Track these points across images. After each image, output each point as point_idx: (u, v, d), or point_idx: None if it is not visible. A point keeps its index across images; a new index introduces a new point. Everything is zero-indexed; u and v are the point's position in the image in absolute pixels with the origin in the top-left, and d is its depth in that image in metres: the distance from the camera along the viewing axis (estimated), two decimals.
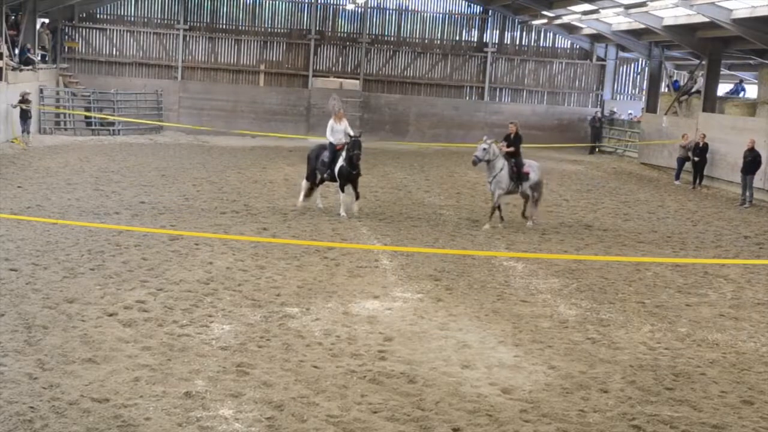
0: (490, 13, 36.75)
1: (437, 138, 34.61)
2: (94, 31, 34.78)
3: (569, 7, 30.03)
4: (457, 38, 36.82)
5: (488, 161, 16.40)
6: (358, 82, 35.67)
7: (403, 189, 21.44)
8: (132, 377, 7.69)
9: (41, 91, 29.56)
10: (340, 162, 16.59)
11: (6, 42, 26.07)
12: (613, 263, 13.80)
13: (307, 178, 17.35)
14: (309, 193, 17.44)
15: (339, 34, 36.33)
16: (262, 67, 35.60)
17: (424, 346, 9.16)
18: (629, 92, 38.53)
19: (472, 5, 36.72)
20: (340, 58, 36.26)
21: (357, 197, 16.93)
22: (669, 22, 27.36)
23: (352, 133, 16.77)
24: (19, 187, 18.02)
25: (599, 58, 37.24)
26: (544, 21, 33.83)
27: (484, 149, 16.31)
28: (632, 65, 37.96)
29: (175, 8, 35.11)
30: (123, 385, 7.51)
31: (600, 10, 27.94)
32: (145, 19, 35.00)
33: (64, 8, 32.81)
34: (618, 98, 37.85)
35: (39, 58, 29.77)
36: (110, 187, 18.69)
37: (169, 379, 7.70)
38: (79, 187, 18.44)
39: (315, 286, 11.35)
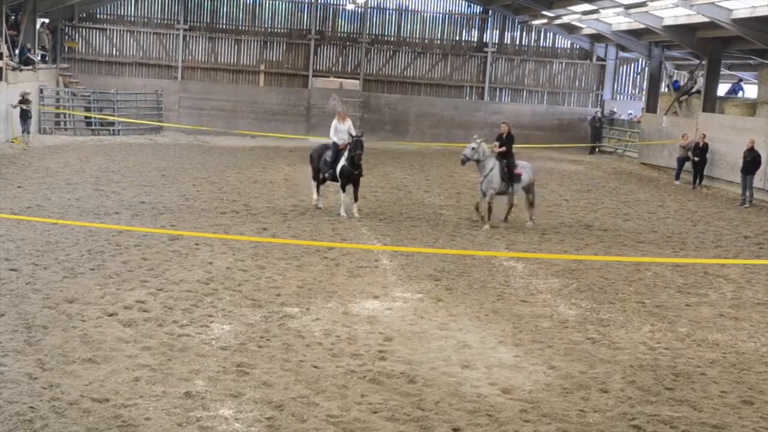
0: (490, 13, 36.74)
1: (437, 138, 34.61)
2: (94, 31, 34.77)
3: (569, 7, 30.02)
4: (457, 38, 36.82)
5: (478, 161, 16.36)
6: (358, 82, 35.67)
7: (403, 189, 21.44)
8: (132, 377, 7.69)
9: (41, 91, 29.56)
10: (342, 161, 16.60)
11: (6, 42, 26.07)
12: (613, 263, 13.80)
13: (314, 178, 17.38)
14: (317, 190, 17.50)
15: (339, 34, 36.33)
16: (262, 67, 35.60)
17: (424, 346, 9.16)
18: (629, 92, 38.52)
19: (472, 5, 36.71)
20: (340, 58, 36.25)
21: (356, 199, 16.93)
22: (669, 22, 27.35)
23: (354, 133, 16.77)
24: (19, 187, 18.02)
25: (599, 58, 37.23)
26: (544, 21, 33.83)
27: (473, 148, 16.28)
28: (632, 65, 37.96)
29: (175, 8, 35.10)
30: (123, 385, 7.51)
31: (600, 10, 27.93)
32: (145, 19, 35.00)
33: (64, 8, 32.81)
34: (618, 98, 37.84)
35: (39, 58, 29.76)
36: (110, 187, 18.69)
37: (169, 379, 7.71)
38: (79, 187, 18.44)
39: (315, 286, 11.35)
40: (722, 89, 29.84)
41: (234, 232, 14.63)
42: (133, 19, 34.97)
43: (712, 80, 27.70)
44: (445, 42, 36.69)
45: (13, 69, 26.85)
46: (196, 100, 34.53)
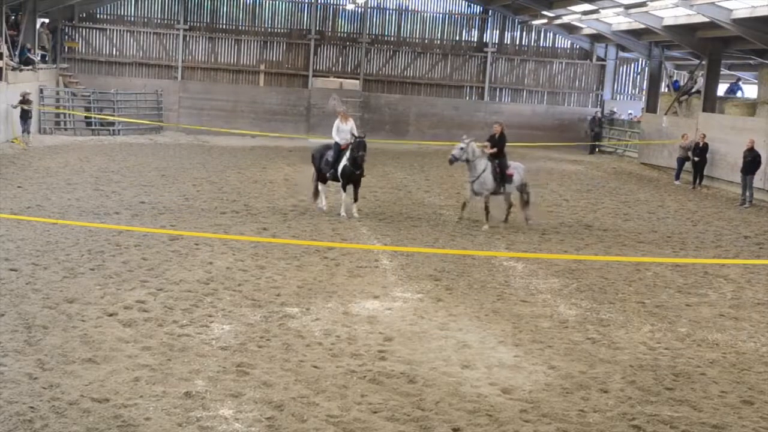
0: (490, 13, 36.75)
1: (437, 138, 34.58)
2: (94, 31, 34.78)
3: (569, 7, 30.03)
4: (457, 38, 36.83)
5: (468, 161, 16.27)
6: (358, 82, 35.67)
7: (403, 189, 21.45)
8: (132, 377, 7.69)
9: (41, 91, 29.56)
10: (344, 161, 16.59)
11: (6, 42, 26.07)
12: (613, 263, 13.80)
13: (317, 179, 17.35)
14: (316, 191, 17.45)
15: (339, 34, 36.34)
16: (262, 67, 35.60)
17: (424, 346, 9.16)
18: (629, 92, 38.54)
19: (472, 5, 36.72)
20: (340, 58, 36.26)
21: (356, 199, 16.93)
22: (669, 22, 27.36)
23: (356, 134, 16.75)
24: (19, 187, 18.02)
25: (599, 58, 37.24)
26: (544, 21, 33.83)
27: (461, 149, 16.20)
28: (632, 65, 37.97)
29: (175, 8, 35.11)
30: (123, 385, 7.51)
31: (600, 10, 27.94)
32: (145, 19, 35.00)
33: (64, 8, 32.81)
34: (618, 98, 37.85)
35: (39, 58, 29.76)
36: (110, 187, 18.69)
37: (169, 379, 7.71)
38: (79, 187, 18.44)
39: (315, 286, 11.35)
40: (721, 89, 29.83)
41: (234, 232, 14.63)
42: (133, 19, 34.97)
43: (712, 80, 27.70)
44: (445, 42, 36.70)
45: (13, 69, 26.86)
46: (196, 100, 34.54)
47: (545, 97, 37.19)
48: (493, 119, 35.77)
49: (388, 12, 36.47)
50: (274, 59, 35.84)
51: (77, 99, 31.62)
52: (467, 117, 35.78)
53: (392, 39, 36.37)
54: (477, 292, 11.61)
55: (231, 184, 20.47)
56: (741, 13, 22.82)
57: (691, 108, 30.23)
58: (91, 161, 23.24)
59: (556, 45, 37.35)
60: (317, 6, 35.84)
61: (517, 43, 37.08)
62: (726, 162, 24.88)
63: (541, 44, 37.17)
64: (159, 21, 35.13)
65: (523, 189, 16.92)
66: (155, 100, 33.53)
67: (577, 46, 37.43)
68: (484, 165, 16.30)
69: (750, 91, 31.27)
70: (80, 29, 34.62)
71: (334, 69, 36.12)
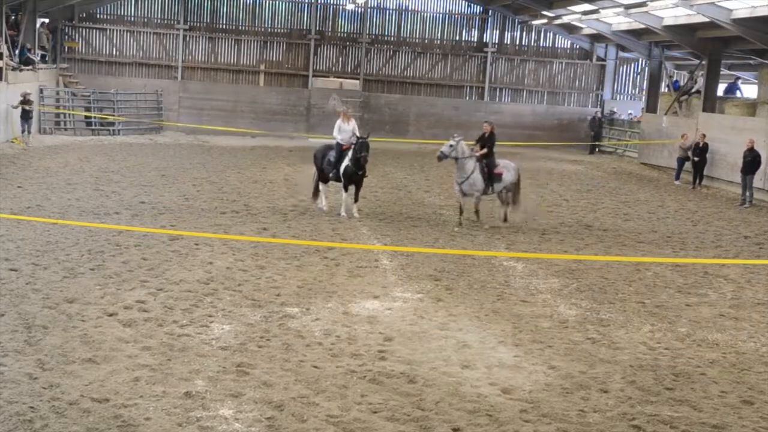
0: (490, 13, 36.75)
1: (437, 138, 34.51)
2: (94, 31, 34.78)
3: (569, 7, 30.03)
4: (457, 38, 36.83)
5: (456, 159, 16.16)
6: (358, 82, 35.67)
7: (403, 189, 21.45)
8: (132, 377, 7.69)
9: (41, 91, 29.55)
10: (346, 162, 16.59)
11: (6, 42, 26.07)
12: (613, 263, 13.80)
13: (319, 179, 17.33)
14: (316, 191, 17.44)
15: (339, 34, 36.34)
16: (262, 67, 35.61)
17: (424, 346, 9.16)
18: (629, 92, 38.54)
19: (472, 5, 36.72)
20: (340, 58, 36.26)
21: (356, 200, 16.93)
22: (669, 22, 27.36)
23: (358, 134, 16.73)
24: (19, 187, 18.02)
25: (599, 58, 37.24)
26: (544, 21, 33.83)
27: (451, 146, 16.09)
28: (632, 65, 37.97)
29: (175, 8, 35.11)
30: (123, 385, 7.51)
31: (600, 10, 27.94)
32: (145, 19, 35.01)
33: (64, 8, 32.82)
34: (618, 98, 37.85)
35: (39, 58, 29.77)
36: (110, 187, 18.69)
37: (169, 379, 7.71)
38: (79, 187, 18.44)
39: (315, 286, 11.35)
40: (720, 89, 29.84)
41: (234, 232, 14.63)
42: (133, 19, 34.98)
43: (712, 80, 27.70)
44: (445, 42, 36.70)
45: (13, 69, 26.86)
46: (196, 100, 34.54)
47: (545, 97, 37.19)
48: (492, 119, 35.95)
49: (388, 12, 36.47)
50: (274, 59, 35.84)
51: (77, 99, 31.62)
52: (467, 117, 35.73)
53: (392, 39, 36.38)
54: (477, 292, 11.61)
55: (231, 184, 20.47)
56: (741, 13, 22.82)
57: (691, 108, 30.23)
58: (91, 161, 23.24)
59: (556, 45, 37.35)
60: (317, 6, 35.85)
61: (517, 43, 37.08)
62: (726, 162, 24.88)
63: (541, 44, 37.18)
64: (159, 21, 35.13)
65: (510, 188, 16.65)
66: (155, 100, 33.53)
67: (577, 46, 37.43)
68: (472, 166, 16.14)
69: (750, 91, 31.26)
70: (80, 29, 34.63)
71: (334, 69, 36.13)
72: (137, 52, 34.91)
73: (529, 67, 37.01)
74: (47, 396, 7.15)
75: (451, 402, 7.61)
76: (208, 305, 10.15)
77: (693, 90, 30.71)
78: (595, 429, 7.26)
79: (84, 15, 34.64)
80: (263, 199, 18.43)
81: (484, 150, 16.33)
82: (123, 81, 34.07)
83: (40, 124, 29.62)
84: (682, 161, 26.51)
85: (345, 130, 16.87)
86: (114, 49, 34.77)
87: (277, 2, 35.97)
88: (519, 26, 36.82)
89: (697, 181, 25.42)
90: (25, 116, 26.02)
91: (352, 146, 16.51)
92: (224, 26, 35.80)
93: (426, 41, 36.46)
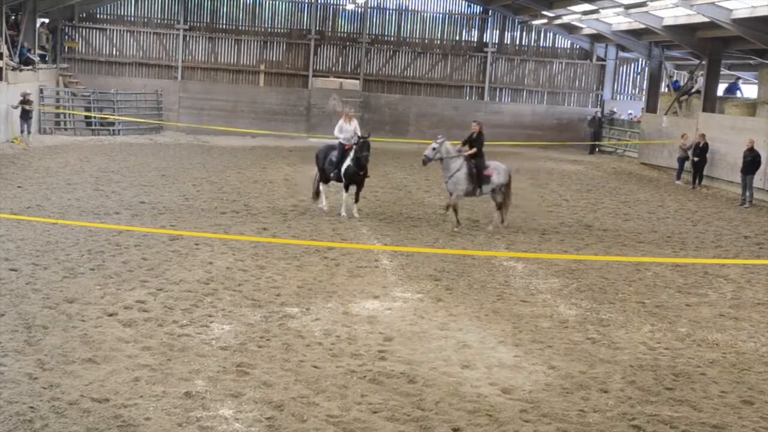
0: (490, 13, 36.75)
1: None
2: (94, 31, 34.78)
3: (569, 7, 30.02)
4: (457, 38, 36.83)
5: (441, 159, 15.91)
6: (358, 82, 35.67)
7: (403, 189, 21.45)
8: (132, 377, 7.69)
9: (41, 91, 29.55)
10: (348, 162, 16.59)
11: (6, 42, 26.08)
12: (613, 263, 13.80)
13: (320, 179, 17.33)
14: (317, 192, 17.43)
15: (339, 34, 36.34)
16: (262, 67, 35.61)
17: (424, 346, 9.16)
18: (629, 92, 38.53)
19: (472, 5, 36.72)
20: (340, 58, 36.26)
21: (357, 200, 16.93)
22: (669, 22, 27.35)
23: (362, 135, 16.73)
24: (19, 187, 18.02)
25: (599, 58, 37.24)
26: (544, 21, 33.83)
27: (434, 149, 15.82)
28: (632, 65, 37.97)
29: (175, 8, 35.11)
30: (123, 385, 7.51)
31: (600, 10, 27.93)
32: (145, 19, 35.01)
33: (64, 8, 32.82)
34: (618, 98, 37.85)
35: (39, 58, 29.77)
36: (110, 187, 18.69)
37: (169, 379, 7.71)
38: (79, 187, 18.44)
39: (315, 286, 11.35)
40: (721, 89, 29.84)
41: (234, 232, 14.63)
42: (133, 19, 34.97)
43: (712, 80, 27.70)
44: (445, 42, 36.70)
45: (13, 69, 26.86)
46: (196, 100, 34.54)
47: (545, 97, 37.19)
48: (493, 119, 36.03)
49: (388, 12, 36.47)
50: (274, 59, 35.84)
51: (77, 99, 31.62)
52: (467, 117, 35.45)
53: (392, 39, 36.37)
54: (477, 292, 11.61)
55: (231, 184, 20.47)
56: (741, 13, 22.82)
57: (691, 108, 30.23)
58: (91, 161, 23.24)
59: (556, 45, 37.35)
60: (317, 6, 35.85)
61: (517, 43, 37.08)
62: (726, 162, 24.88)
63: (541, 44, 37.18)
64: (159, 21, 35.13)
65: (500, 189, 16.31)
66: (155, 100, 33.53)
67: (577, 46, 37.43)
68: (458, 165, 15.87)
69: (750, 91, 31.26)
70: (80, 29, 34.62)
71: (334, 69, 36.12)
72: (137, 52, 34.91)
73: (529, 67, 37.02)
74: (47, 396, 7.15)
75: (451, 402, 7.61)
76: (208, 305, 10.15)
77: (693, 90, 30.71)
78: (595, 429, 7.26)
79: (84, 15, 34.64)
80: (263, 199, 18.43)
81: (473, 150, 16.04)
82: (123, 81, 34.07)
83: (40, 124, 29.62)
84: (682, 161, 26.52)
85: (346, 131, 16.89)
86: (114, 49, 34.77)
87: (277, 2, 35.97)
88: (519, 26, 36.82)
89: (697, 181, 25.43)
90: (25, 116, 26.02)
91: (354, 146, 16.52)
92: (224, 26, 35.80)
93: (426, 41, 36.46)
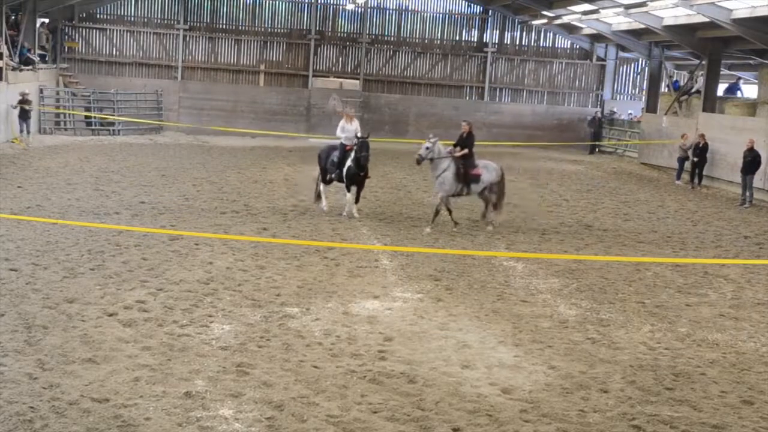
0: (490, 13, 36.75)
1: (438, 138, 34.54)
2: (94, 31, 34.78)
3: (569, 7, 30.02)
4: (457, 38, 36.82)
5: (432, 160, 15.79)
6: (358, 82, 35.67)
7: (403, 189, 21.45)
8: (132, 377, 7.69)
9: (41, 91, 29.56)
10: (349, 162, 16.59)
11: (6, 42, 26.08)
12: (613, 263, 13.80)
13: (322, 180, 17.33)
14: (319, 193, 17.42)
15: (339, 34, 36.34)
16: (262, 67, 35.61)
17: (424, 346, 9.16)
18: (629, 92, 38.53)
19: (472, 5, 36.72)
20: (340, 58, 36.26)
21: (357, 200, 16.93)
22: (669, 22, 27.35)
23: (361, 135, 16.73)
24: (19, 187, 18.02)
25: (599, 58, 37.24)
26: (544, 21, 33.83)
27: (427, 148, 15.76)
28: (632, 65, 37.97)
29: (175, 8, 35.11)
30: (123, 385, 7.51)
31: (600, 10, 27.93)
32: (145, 19, 35.01)
33: (64, 8, 32.82)
34: (618, 98, 37.85)
35: (39, 58, 29.77)
36: (110, 187, 18.69)
37: (169, 379, 7.71)
38: (79, 187, 18.44)
39: (315, 286, 11.35)
40: (720, 89, 29.83)
41: (234, 232, 14.63)
42: (133, 19, 34.97)
43: (712, 80, 27.70)
44: (445, 42, 36.70)
45: (13, 69, 26.86)
46: (196, 100, 34.53)
47: (545, 97, 37.18)
48: (493, 119, 36.12)
49: (388, 12, 36.47)
50: (274, 59, 35.84)
51: (77, 99, 31.63)
52: (467, 117, 35.41)
53: (392, 39, 36.37)
54: (477, 292, 11.61)
55: (231, 184, 20.47)
56: (741, 13, 22.82)
57: (691, 108, 30.23)
58: (91, 161, 23.24)
59: (556, 45, 37.35)
60: (317, 6, 35.84)
61: (517, 43, 37.08)
62: (726, 162, 24.88)
63: (541, 44, 37.18)
64: (159, 21, 35.13)
65: (492, 189, 16.17)
66: (155, 100, 33.53)
67: (577, 46, 37.43)
68: (446, 164, 15.75)
69: (750, 91, 31.26)
70: (80, 29, 34.62)
71: (334, 69, 36.12)
72: (137, 52, 34.91)
73: (529, 67, 37.01)
74: (47, 396, 7.15)
75: (451, 402, 7.61)
76: (208, 305, 10.15)
77: (693, 90, 30.71)
78: (595, 429, 7.26)
79: (84, 15, 34.64)
80: (263, 199, 18.43)
81: (465, 151, 15.93)
82: (123, 81, 34.07)
83: (40, 124, 29.63)
84: (682, 161, 26.52)
85: (348, 130, 16.91)
86: (114, 49, 34.76)
87: (277, 2, 35.97)
88: (519, 26, 36.82)
89: (695, 181, 25.43)
90: (24, 116, 26.01)
91: (354, 147, 16.54)
92: (224, 26, 35.80)
93: (426, 41, 36.46)
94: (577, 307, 11.14)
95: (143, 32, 34.93)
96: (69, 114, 31.07)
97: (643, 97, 35.23)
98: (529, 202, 19.93)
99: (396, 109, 36.08)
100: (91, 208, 16.02)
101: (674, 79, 34.34)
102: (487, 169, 16.18)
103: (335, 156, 16.87)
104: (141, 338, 8.79)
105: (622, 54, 36.86)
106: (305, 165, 24.48)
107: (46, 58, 31.49)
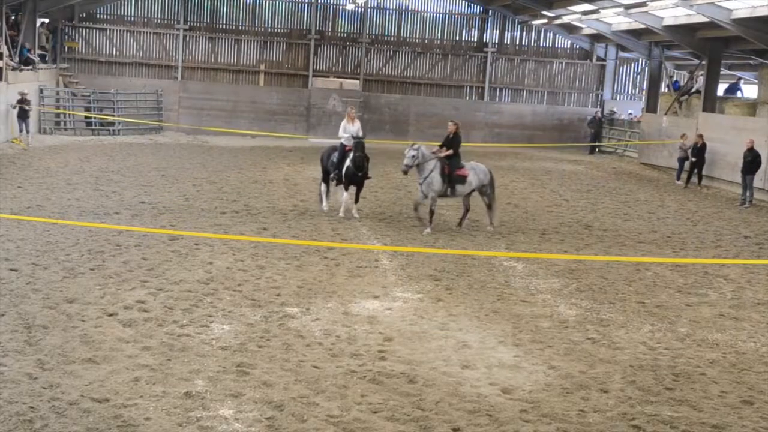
0: (490, 13, 36.74)
1: (437, 138, 34.46)
2: (94, 31, 34.77)
3: (569, 7, 30.02)
4: (457, 38, 36.81)
5: (418, 165, 15.58)
6: (358, 82, 35.66)
7: (403, 189, 21.44)
8: (132, 377, 7.69)
9: (41, 91, 29.56)
10: (348, 163, 16.61)
11: (6, 42, 26.08)
12: (613, 263, 13.80)
13: (323, 180, 17.34)
14: (322, 195, 17.44)
15: (339, 34, 36.32)
16: (262, 67, 35.60)
17: (424, 346, 9.16)
18: (629, 92, 38.52)
19: (472, 5, 36.71)
20: (340, 58, 36.25)
21: (356, 200, 16.93)
22: (669, 22, 27.35)
23: (358, 135, 16.74)
24: (19, 187, 18.02)
25: (599, 58, 37.23)
26: (544, 21, 33.82)
27: (413, 156, 15.48)
28: (632, 65, 37.96)
29: (175, 8, 35.10)
30: (123, 385, 7.51)
31: (600, 10, 27.92)
32: (145, 19, 35.00)
33: (64, 8, 32.81)
34: (618, 98, 37.84)
35: (39, 58, 29.76)
36: (110, 187, 18.69)
37: (169, 379, 7.71)
38: (79, 187, 18.45)
39: (315, 286, 11.35)
40: (720, 89, 29.83)
41: (234, 232, 14.63)
42: (133, 19, 34.96)
43: (712, 80, 27.69)
44: (445, 42, 36.68)
45: (13, 69, 26.86)
46: (196, 100, 34.52)
47: (545, 97, 37.17)
48: (493, 119, 36.12)
49: (388, 12, 36.45)
50: (274, 59, 35.83)
51: (77, 99, 31.63)
52: (467, 117, 35.58)
53: (392, 39, 36.36)
54: (477, 292, 11.61)
55: (231, 184, 20.47)
56: (741, 13, 22.82)
57: (691, 108, 30.22)
58: (91, 161, 23.25)
59: (556, 45, 37.33)
60: (317, 6, 35.83)
61: (517, 43, 37.07)
62: (726, 162, 24.88)
63: (541, 44, 37.16)
64: (159, 21, 35.12)
65: (483, 191, 16.03)
66: (155, 100, 33.53)
67: (577, 46, 37.42)
68: (432, 165, 15.60)
69: (750, 91, 31.26)
70: (80, 29, 34.61)
71: (334, 69, 36.11)
72: (137, 52, 34.90)
73: (529, 67, 37.00)
74: (47, 396, 7.15)
75: (451, 402, 7.61)
76: (208, 305, 10.15)
77: (693, 90, 30.71)
78: (595, 429, 7.26)
79: (84, 15, 34.63)
80: (263, 199, 18.43)
81: (450, 151, 15.74)
82: (123, 81, 34.06)
83: (40, 124, 29.63)
84: (682, 161, 26.51)
85: (349, 131, 16.93)
86: (114, 49, 34.75)
87: (277, 2, 35.96)
88: (519, 26, 36.80)
89: (691, 180, 25.43)
90: (23, 116, 25.99)
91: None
92: (224, 26, 35.79)
93: (426, 41, 36.44)
94: (577, 307, 11.14)
95: (143, 32, 34.92)
96: (69, 114, 31.07)
97: (643, 97, 35.21)
98: (529, 202, 19.91)
99: (396, 109, 36.07)
100: (91, 208, 16.02)
101: (674, 79, 34.34)
102: (475, 171, 15.91)
103: (335, 157, 16.90)
104: (141, 338, 8.79)
105: (622, 54, 36.85)
106: (305, 165, 24.50)
107: (46, 58, 31.49)
